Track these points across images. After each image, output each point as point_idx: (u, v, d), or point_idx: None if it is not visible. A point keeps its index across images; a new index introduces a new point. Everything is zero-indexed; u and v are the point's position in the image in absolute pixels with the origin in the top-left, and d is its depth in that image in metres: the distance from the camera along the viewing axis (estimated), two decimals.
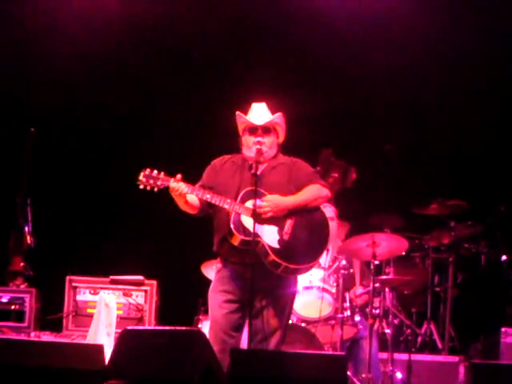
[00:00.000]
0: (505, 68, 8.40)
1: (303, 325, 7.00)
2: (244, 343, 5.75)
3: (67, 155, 8.89)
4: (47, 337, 7.22)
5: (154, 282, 7.66)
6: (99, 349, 4.89)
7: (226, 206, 5.61)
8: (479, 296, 8.44)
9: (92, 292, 7.58)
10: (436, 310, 8.29)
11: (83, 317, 7.51)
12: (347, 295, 7.13)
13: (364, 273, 7.44)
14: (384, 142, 8.52)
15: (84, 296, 7.61)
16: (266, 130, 5.81)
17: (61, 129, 8.79)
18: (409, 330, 7.98)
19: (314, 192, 5.76)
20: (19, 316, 7.45)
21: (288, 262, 5.60)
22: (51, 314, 7.65)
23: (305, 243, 5.67)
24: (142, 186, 5.63)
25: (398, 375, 7.11)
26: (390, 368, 6.97)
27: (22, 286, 7.68)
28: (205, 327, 7.13)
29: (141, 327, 7.04)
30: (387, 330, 7.13)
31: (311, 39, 8.56)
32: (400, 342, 7.87)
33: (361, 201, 8.27)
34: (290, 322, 6.76)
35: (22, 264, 7.79)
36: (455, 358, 7.32)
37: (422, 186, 8.64)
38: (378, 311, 7.17)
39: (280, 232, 5.65)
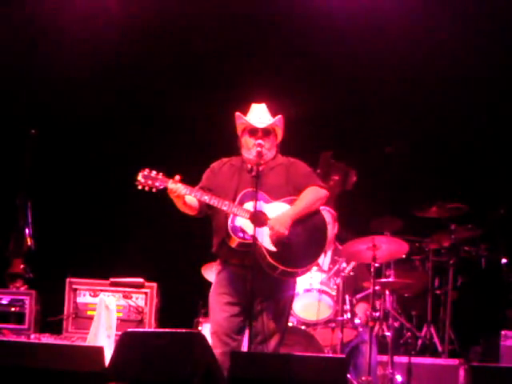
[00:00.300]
0: (506, 69, 8.39)
1: (303, 327, 7.00)
2: (244, 345, 5.76)
3: (68, 157, 8.89)
4: (47, 339, 7.22)
5: (154, 285, 7.66)
6: (99, 351, 4.88)
7: (224, 208, 5.60)
8: (479, 299, 8.44)
9: (92, 294, 7.58)
10: (436, 312, 8.29)
11: (83, 319, 7.51)
12: (347, 298, 7.13)
13: (364, 274, 7.43)
14: (384, 145, 8.53)
15: (84, 298, 7.61)
16: (267, 132, 5.80)
17: (61, 131, 8.80)
18: (409, 333, 7.97)
19: (312, 196, 5.74)
20: (19, 318, 7.46)
21: (285, 265, 5.59)
22: (51, 316, 7.65)
23: (302, 246, 5.66)
24: (140, 187, 5.61)
25: (398, 378, 7.10)
26: (390, 371, 6.97)
27: (22, 288, 7.69)
28: (205, 329, 7.13)
29: (141, 329, 7.05)
30: (387, 333, 7.12)
31: (311, 40, 8.56)
32: (400, 345, 7.86)
33: (361, 204, 8.27)
34: (291, 324, 6.76)
35: (22, 266, 7.81)
36: (455, 361, 7.32)
37: (422, 189, 8.64)
38: (378, 314, 7.17)
39: None
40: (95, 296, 7.51)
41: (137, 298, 7.60)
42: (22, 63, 8.56)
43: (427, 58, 8.56)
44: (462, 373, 7.09)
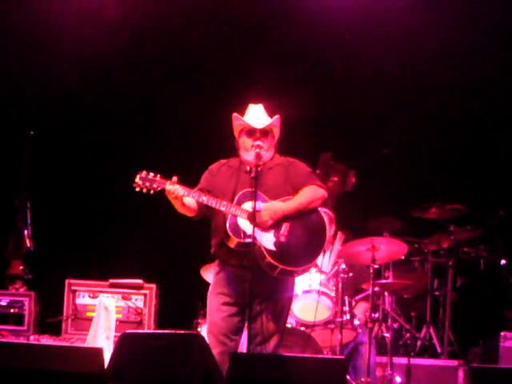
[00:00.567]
0: (506, 69, 8.39)
1: (302, 328, 7.00)
2: (243, 346, 5.75)
3: (66, 158, 8.89)
4: (46, 340, 7.22)
5: (154, 286, 7.66)
6: (98, 352, 4.88)
7: (223, 209, 5.60)
8: (478, 300, 8.44)
9: (91, 295, 7.59)
10: (435, 314, 8.28)
11: (82, 320, 7.52)
12: (346, 299, 7.13)
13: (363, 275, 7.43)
14: (383, 146, 8.53)
15: (83, 299, 7.61)
16: (265, 132, 5.81)
17: (60, 132, 8.79)
18: (408, 334, 7.96)
19: (310, 194, 5.75)
20: (18, 319, 7.47)
21: (284, 264, 5.60)
22: (50, 317, 7.66)
23: (301, 245, 5.67)
24: (138, 189, 5.62)
25: (398, 379, 7.10)
26: (390, 372, 6.97)
27: (22, 290, 7.69)
28: (204, 331, 7.10)
29: (140, 331, 7.05)
30: (386, 334, 7.13)
31: (310, 41, 8.55)
32: (399, 346, 7.85)
33: (360, 205, 8.26)
34: (289, 325, 6.76)
35: (21, 267, 7.80)
36: (454, 362, 7.32)
37: (421, 190, 8.64)
38: (377, 315, 7.17)
39: (276, 234, 5.65)
40: (94, 297, 7.52)
41: (136, 300, 7.60)
42: (21, 65, 8.55)
43: (427, 58, 8.56)
44: (461, 374, 7.09)
